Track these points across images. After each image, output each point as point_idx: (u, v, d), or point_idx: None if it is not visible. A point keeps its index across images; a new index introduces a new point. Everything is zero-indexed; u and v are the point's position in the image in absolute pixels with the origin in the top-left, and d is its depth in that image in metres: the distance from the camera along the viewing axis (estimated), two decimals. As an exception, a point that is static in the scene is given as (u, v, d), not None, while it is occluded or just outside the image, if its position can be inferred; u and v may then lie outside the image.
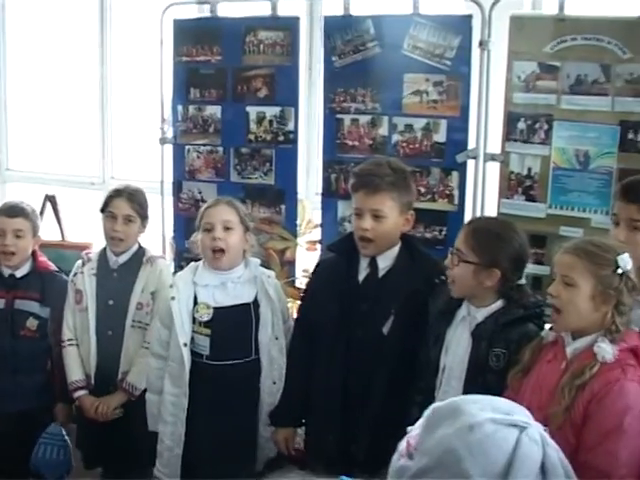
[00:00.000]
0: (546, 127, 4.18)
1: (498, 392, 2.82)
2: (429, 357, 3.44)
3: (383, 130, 4.53)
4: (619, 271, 2.81)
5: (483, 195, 4.32)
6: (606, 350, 2.79)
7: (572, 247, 2.92)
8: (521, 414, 1.58)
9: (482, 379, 3.22)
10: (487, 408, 1.55)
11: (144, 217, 4.51)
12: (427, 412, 1.62)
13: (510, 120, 4.26)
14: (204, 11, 5.02)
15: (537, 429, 1.54)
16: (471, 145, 4.33)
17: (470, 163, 4.34)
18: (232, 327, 3.99)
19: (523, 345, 3.11)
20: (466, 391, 3.04)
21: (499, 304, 3.31)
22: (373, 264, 3.70)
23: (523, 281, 3.41)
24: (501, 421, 1.51)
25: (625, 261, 2.81)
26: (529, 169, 4.24)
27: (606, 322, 2.84)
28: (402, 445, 1.60)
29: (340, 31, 4.55)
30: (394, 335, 3.61)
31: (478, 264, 3.26)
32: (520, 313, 3.26)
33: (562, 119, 4.16)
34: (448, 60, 4.34)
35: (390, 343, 3.61)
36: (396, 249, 3.71)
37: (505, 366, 3.16)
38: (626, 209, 3.28)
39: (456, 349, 3.36)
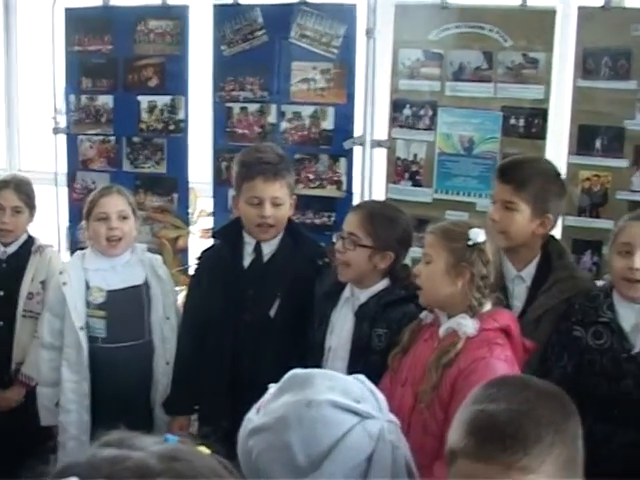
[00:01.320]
0: (431, 113, 4.10)
1: (381, 372, 2.84)
2: (315, 338, 3.33)
3: (272, 118, 4.39)
4: (470, 243, 2.75)
5: (371, 181, 4.22)
6: (467, 325, 2.73)
7: (433, 227, 2.90)
8: (371, 403, 1.52)
9: (365, 359, 3.12)
10: (337, 389, 1.51)
11: (32, 207, 4.30)
12: (287, 375, 1.59)
13: (396, 107, 4.17)
14: (96, 0, 4.71)
15: (380, 422, 1.49)
16: (358, 132, 4.23)
17: (357, 149, 4.24)
18: (126, 309, 3.84)
19: (404, 325, 3.03)
20: (350, 371, 2.87)
21: (382, 285, 3.22)
22: (258, 249, 3.56)
23: (407, 261, 3.33)
24: (342, 405, 1.47)
25: (476, 234, 2.75)
26: (415, 155, 4.15)
27: (465, 298, 2.77)
28: (263, 398, 1.58)
29: (229, 20, 4.39)
30: (281, 318, 3.51)
31: (374, 247, 3.15)
32: (402, 294, 3.17)
33: (446, 105, 4.08)
34: (335, 48, 4.22)
35: (277, 326, 3.50)
36: (280, 234, 3.56)
37: (387, 346, 3.07)
38: (501, 190, 3.22)
39: (340, 330, 3.26)
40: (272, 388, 1.61)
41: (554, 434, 1.48)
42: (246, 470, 1.50)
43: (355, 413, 1.48)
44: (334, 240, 3.34)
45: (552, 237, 3.35)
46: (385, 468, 1.47)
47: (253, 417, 1.56)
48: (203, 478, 0.97)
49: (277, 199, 3.46)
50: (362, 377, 1.66)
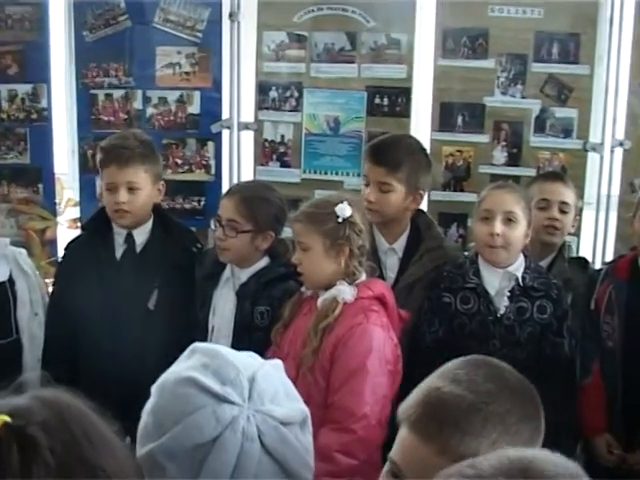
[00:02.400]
0: (297, 95, 4.03)
1: (264, 348, 2.79)
2: (198, 320, 3.24)
3: (137, 104, 4.20)
4: (340, 220, 2.71)
5: (239, 164, 4.13)
6: (345, 291, 2.72)
7: (297, 214, 2.84)
8: (238, 391, 1.45)
9: (249, 337, 3.05)
10: (210, 368, 1.47)
11: None
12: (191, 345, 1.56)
13: (262, 89, 4.08)
14: (-51, -13, 4.36)
15: (238, 410, 1.43)
16: (225, 115, 4.11)
17: (225, 133, 4.13)
18: (-10, 307, 3.53)
19: (285, 301, 2.98)
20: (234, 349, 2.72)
21: (262, 263, 3.15)
22: (129, 239, 3.39)
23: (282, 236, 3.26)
24: (201, 385, 1.43)
25: (343, 209, 2.72)
26: (282, 136, 4.07)
27: (345, 268, 2.75)
28: None
29: (90, 5, 4.17)
30: (161, 308, 3.34)
31: (255, 230, 3.08)
32: (281, 271, 3.11)
33: (312, 87, 4.02)
34: (199, 32, 4.08)
35: (158, 317, 3.33)
36: (150, 222, 3.41)
37: (270, 323, 3.02)
38: (375, 171, 3.19)
39: (222, 310, 3.18)
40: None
41: (500, 434, 1.42)
42: None
43: (212, 395, 1.43)
44: (212, 227, 3.22)
45: (420, 210, 3.35)
46: (228, 456, 1.41)
47: None
48: None
49: (133, 184, 3.27)
50: (251, 354, 1.60)
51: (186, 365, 1.50)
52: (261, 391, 1.48)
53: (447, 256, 3.22)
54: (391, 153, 3.18)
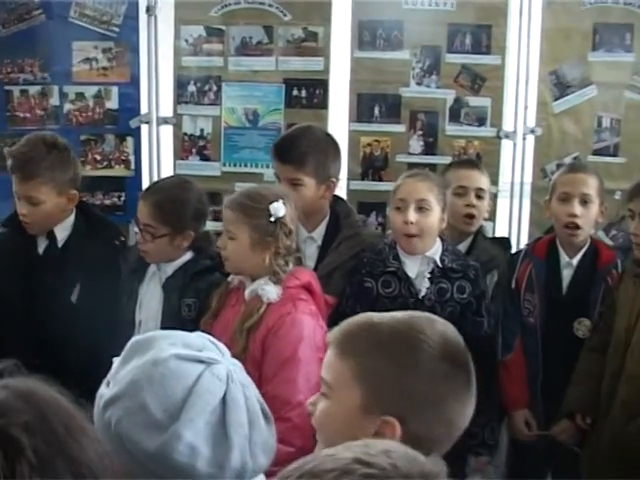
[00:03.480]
0: (215, 88, 3.94)
1: None
2: (124, 314, 3.14)
3: (54, 100, 4.04)
4: (272, 219, 2.64)
5: (159, 158, 4.02)
6: (270, 291, 2.65)
7: (230, 202, 2.74)
8: (213, 351, 1.51)
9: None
10: (178, 344, 1.50)
11: None
12: (128, 344, 1.53)
13: (180, 84, 3.98)
14: None
15: (226, 366, 1.47)
16: (144, 110, 4.00)
17: (144, 128, 4.01)
18: None
19: (212, 293, 2.90)
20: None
21: (187, 257, 3.06)
22: (51, 235, 3.26)
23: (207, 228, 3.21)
24: (186, 357, 1.45)
25: (277, 208, 2.65)
26: (202, 130, 3.98)
27: (270, 266, 2.68)
28: (110, 372, 1.51)
29: None
30: (84, 302, 3.22)
31: (172, 233, 2.98)
32: (207, 263, 3.04)
33: (230, 80, 3.93)
34: (116, 27, 3.97)
35: (81, 310, 3.20)
36: (72, 217, 3.28)
37: (197, 315, 2.94)
38: (283, 169, 3.11)
39: (149, 304, 3.09)
40: (116, 361, 1.53)
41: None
42: (108, 441, 1.40)
43: (200, 361, 1.46)
44: (134, 228, 3.13)
45: (339, 198, 3.31)
46: (240, 406, 1.45)
47: (104, 391, 1.48)
48: None
49: (32, 198, 3.13)
50: (199, 332, 1.64)
51: (156, 351, 1.47)
52: (221, 348, 1.54)
53: (364, 243, 3.16)
54: (294, 150, 3.09)
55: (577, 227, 3.08)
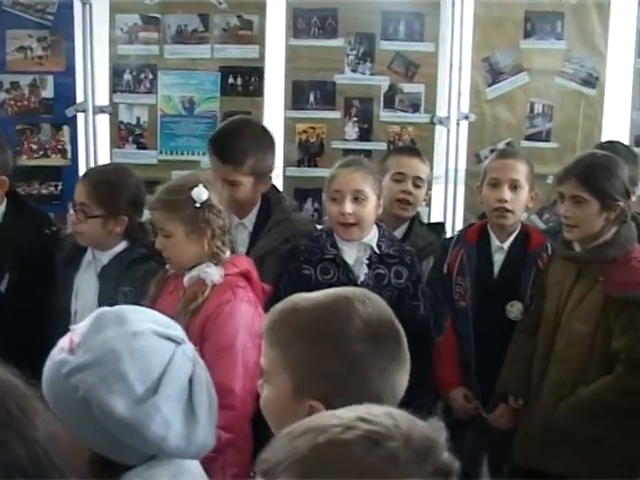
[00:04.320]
0: (151, 77, 3.86)
1: None
2: (58, 303, 3.07)
3: None
4: (197, 204, 2.57)
5: (95, 147, 3.91)
6: (212, 274, 2.60)
7: (153, 203, 2.67)
8: (177, 330, 1.54)
9: None
10: (149, 320, 1.51)
11: None
12: (93, 315, 1.52)
13: (116, 72, 3.89)
14: None
15: (190, 347, 1.52)
16: (79, 99, 3.88)
17: (80, 117, 3.90)
18: None
19: (148, 282, 2.83)
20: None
21: (123, 245, 3.00)
22: None
23: (144, 219, 3.09)
24: (161, 333, 1.47)
25: (199, 193, 2.57)
26: (138, 118, 3.89)
27: (209, 250, 2.62)
28: (64, 341, 1.48)
29: None
30: (13, 291, 3.11)
31: (105, 215, 2.91)
32: (143, 252, 2.97)
33: (166, 68, 3.85)
34: (50, 15, 3.84)
35: (10, 300, 3.11)
36: (3, 207, 3.17)
37: (134, 303, 2.70)
38: (221, 170, 3.01)
39: (85, 293, 3.01)
40: (78, 329, 1.51)
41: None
42: (69, 409, 1.41)
43: (172, 340, 1.48)
44: (70, 210, 3.07)
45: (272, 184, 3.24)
46: (203, 386, 1.50)
47: (67, 358, 1.45)
48: None
49: None
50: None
51: (132, 324, 1.47)
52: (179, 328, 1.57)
53: (295, 229, 3.11)
54: (234, 149, 3.01)
55: (507, 212, 3.06)
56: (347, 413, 0.99)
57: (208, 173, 2.83)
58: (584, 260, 2.79)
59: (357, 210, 2.88)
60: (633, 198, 3.28)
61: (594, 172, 2.73)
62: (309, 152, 3.81)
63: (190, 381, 1.47)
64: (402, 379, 1.53)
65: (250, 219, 3.11)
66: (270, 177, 3.10)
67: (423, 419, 3.15)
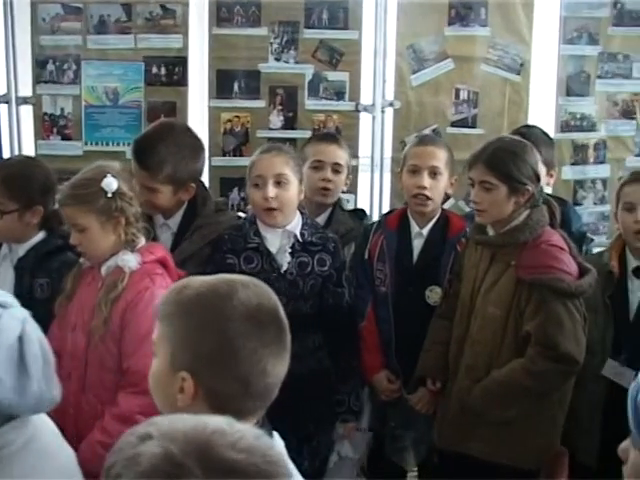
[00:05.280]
0: (75, 67, 3.78)
1: (47, 321, 2.55)
2: None
3: None
4: (109, 195, 2.53)
5: (19, 139, 3.83)
6: (129, 260, 2.56)
7: (63, 199, 2.59)
8: (8, 297, 1.61)
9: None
10: None
11: None
12: None
13: (39, 63, 3.80)
14: None
15: (20, 310, 1.60)
16: (2, 90, 3.80)
17: (3, 108, 3.82)
18: None
19: (64, 273, 2.77)
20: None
21: (39, 237, 2.93)
22: None
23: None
24: None
25: (109, 183, 2.53)
26: (62, 109, 3.81)
27: (125, 238, 2.58)
28: None
29: None
30: None
31: (19, 209, 2.86)
32: (59, 243, 2.91)
33: (89, 58, 3.77)
34: None
35: None
36: None
37: (50, 295, 2.81)
38: (139, 174, 2.87)
39: (2, 286, 2.87)
40: None
41: None
42: None
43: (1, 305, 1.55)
44: None
45: (200, 182, 3.16)
46: (34, 343, 1.56)
47: None
48: None
49: None
50: None
51: None
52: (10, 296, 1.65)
53: (219, 232, 3.03)
54: (153, 156, 2.91)
55: (427, 198, 3.05)
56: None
57: (114, 163, 2.70)
58: (496, 244, 2.79)
59: (280, 194, 2.87)
60: (551, 181, 3.30)
61: (501, 157, 2.71)
62: (234, 141, 3.76)
63: (20, 340, 1.54)
64: (277, 368, 1.51)
65: (175, 220, 3.03)
66: (193, 187, 2.97)
67: (353, 405, 3.09)
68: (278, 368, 1.51)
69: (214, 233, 3.01)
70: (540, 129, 3.42)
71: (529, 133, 3.18)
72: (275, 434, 1.54)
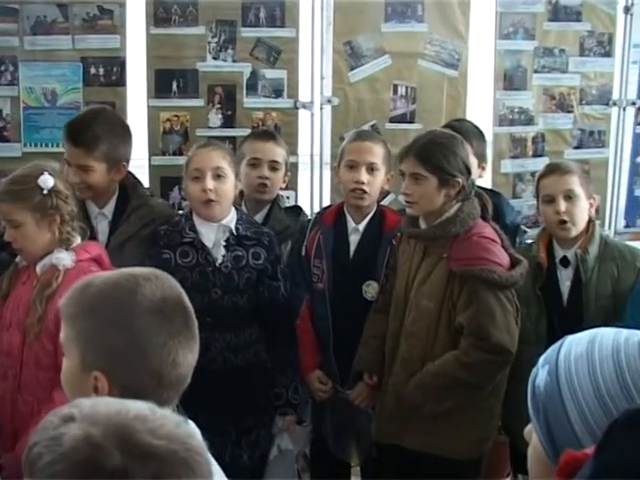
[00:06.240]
0: (12, 69, 3.69)
1: None
2: None
3: None
4: (45, 192, 2.53)
5: None
6: (64, 258, 2.55)
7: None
8: None
9: None
10: None
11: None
12: None
13: None
14: None
15: None
16: None
17: None
18: None
19: (1, 273, 2.73)
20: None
21: None
22: None
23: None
24: None
25: (45, 180, 2.53)
26: (0, 111, 3.71)
27: (60, 236, 2.58)
28: None
29: None
30: None
31: None
32: None
33: (27, 60, 3.69)
34: None
35: None
36: None
37: None
38: (74, 153, 2.94)
39: None
40: None
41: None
42: None
43: None
44: None
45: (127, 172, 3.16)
46: None
47: None
48: None
49: None
50: None
51: None
52: None
53: (154, 213, 3.08)
54: (87, 133, 2.96)
55: (364, 193, 3.04)
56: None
57: (52, 162, 2.72)
58: (427, 237, 2.79)
59: (218, 187, 2.90)
60: (482, 174, 3.29)
61: (431, 149, 2.72)
62: (174, 141, 3.73)
63: None
64: (187, 358, 1.51)
65: (109, 208, 3.06)
66: (125, 166, 3.02)
67: (292, 398, 3.09)
68: (188, 357, 1.51)
69: (150, 215, 3.05)
70: (471, 122, 3.43)
71: (460, 126, 3.19)
72: (190, 422, 1.48)
